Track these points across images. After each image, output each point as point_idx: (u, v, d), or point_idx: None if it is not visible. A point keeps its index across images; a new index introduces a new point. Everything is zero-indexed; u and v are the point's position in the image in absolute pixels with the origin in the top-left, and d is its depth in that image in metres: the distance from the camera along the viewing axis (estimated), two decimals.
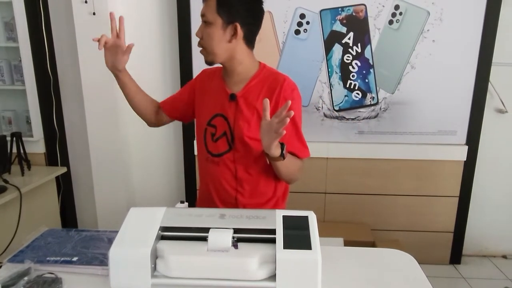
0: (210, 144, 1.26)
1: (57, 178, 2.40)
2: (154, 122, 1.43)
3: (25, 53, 2.20)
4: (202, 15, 1.16)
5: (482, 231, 2.58)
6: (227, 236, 0.90)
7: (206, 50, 1.19)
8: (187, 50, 2.28)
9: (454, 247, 2.51)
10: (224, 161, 1.24)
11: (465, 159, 2.36)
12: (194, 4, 2.20)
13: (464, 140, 2.35)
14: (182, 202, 1.07)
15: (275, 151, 1.06)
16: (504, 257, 2.62)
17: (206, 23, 1.16)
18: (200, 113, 1.29)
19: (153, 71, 2.40)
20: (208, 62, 1.22)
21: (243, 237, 0.91)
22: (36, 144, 2.34)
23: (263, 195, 1.28)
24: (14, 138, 2.14)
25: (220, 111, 1.23)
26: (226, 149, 1.23)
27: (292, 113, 0.96)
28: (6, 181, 1.98)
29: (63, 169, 2.38)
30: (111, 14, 1.20)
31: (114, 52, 1.23)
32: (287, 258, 0.85)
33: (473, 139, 2.34)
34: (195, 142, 2.45)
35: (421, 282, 1.00)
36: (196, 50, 2.24)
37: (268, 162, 1.17)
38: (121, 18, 1.21)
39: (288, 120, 0.96)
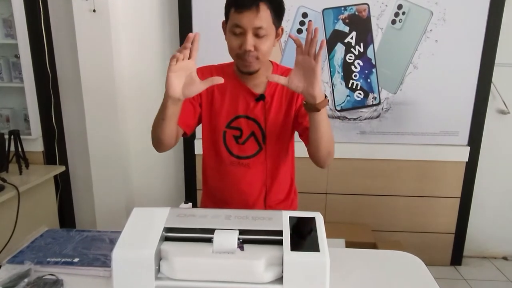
0: (234, 147, 1.23)
1: (55, 177, 2.37)
2: (173, 145, 1.22)
3: (23, 50, 2.17)
4: (257, 28, 1.07)
5: (483, 232, 2.58)
6: (233, 238, 0.88)
7: (259, 59, 1.12)
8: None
9: (455, 248, 2.50)
10: (255, 162, 1.23)
11: (467, 160, 2.36)
12: (195, 1, 2.18)
13: (466, 141, 2.34)
14: (186, 202, 1.05)
15: (320, 91, 1.02)
16: (505, 258, 2.62)
17: (260, 35, 1.09)
18: (214, 116, 1.23)
19: (154, 70, 2.38)
20: (252, 72, 1.15)
21: (249, 238, 0.89)
22: (34, 143, 2.31)
23: (284, 190, 1.31)
24: (12, 136, 2.12)
25: (243, 112, 1.21)
26: (257, 149, 1.23)
27: (318, 36, 0.97)
28: (3, 180, 1.95)
29: (62, 168, 2.35)
30: (189, 35, 1.00)
31: (183, 77, 1.03)
32: (295, 260, 0.83)
33: (475, 140, 2.33)
34: (195, 141, 2.45)
35: (430, 284, 0.98)
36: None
37: (312, 128, 1.10)
38: (197, 35, 1.00)
39: (316, 40, 0.96)
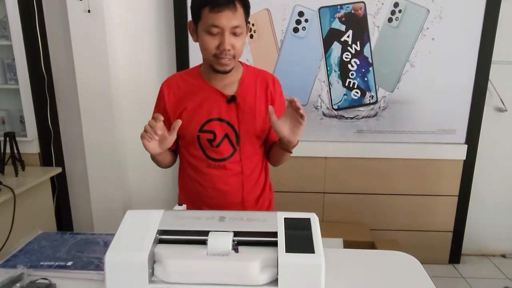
0: (209, 150, 1.23)
1: (51, 178, 2.36)
2: (174, 162, 1.37)
3: (18, 51, 2.15)
4: (235, 27, 1.09)
5: (481, 230, 2.57)
6: (227, 240, 0.87)
7: (235, 58, 1.14)
8: (184, 49, 2.25)
9: (453, 247, 2.50)
10: (231, 163, 1.24)
11: (464, 158, 2.35)
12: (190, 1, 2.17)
13: (463, 139, 2.34)
14: (180, 204, 1.04)
15: (297, 139, 1.15)
16: (503, 256, 2.61)
17: (236, 34, 1.10)
18: (186, 122, 1.21)
19: (149, 70, 2.37)
20: (229, 71, 1.16)
21: (244, 240, 0.89)
22: (30, 144, 2.29)
23: (260, 185, 1.33)
24: (8, 138, 2.10)
25: (216, 115, 1.21)
26: (231, 151, 1.23)
27: (297, 104, 1.07)
28: None
29: (58, 170, 2.34)
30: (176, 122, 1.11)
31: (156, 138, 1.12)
32: (290, 262, 0.83)
33: (472, 138, 2.32)
34: None
35: (426, 284, 0.98)
36: (192, 48, 2.23)
37: (278, 152, 1.26)
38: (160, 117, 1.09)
39: (303, 113, 1.07)
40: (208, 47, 1.11)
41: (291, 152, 1.21)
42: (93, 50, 2.20)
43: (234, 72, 1.21)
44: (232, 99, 1.20)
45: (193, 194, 1.31)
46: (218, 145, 1.22)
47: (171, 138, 1.11)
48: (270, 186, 1.39)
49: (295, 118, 1.09)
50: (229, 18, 1.07)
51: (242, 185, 1.26)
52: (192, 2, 1.14)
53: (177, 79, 1.26)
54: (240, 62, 1.25)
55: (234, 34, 1.10)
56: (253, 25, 2.19)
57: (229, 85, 1.22)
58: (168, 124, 1.21)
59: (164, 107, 1.24)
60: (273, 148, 1.29)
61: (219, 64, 1.13)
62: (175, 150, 1.33)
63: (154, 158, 1.23)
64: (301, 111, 1.06)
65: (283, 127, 1.11)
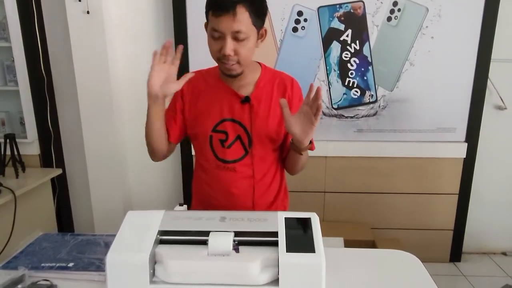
0: (220, 151, 1.22)
1: (52, 180, 2.36)
2: (165, 154, 1.28)
3: (18, 53, 2.16)
4: (236, 32, 1.05)
5: (482, 228, 2.57)
6: (228, 240, 0.87)
7: (240, 63, 1.11)
8: (184, 49, 2.23)
9: (454, 245, 2.50)
10: (241, 166, 1.22)
11: (464, 156, 2.35)
12: (190, 2, 2.17)
13: (463, 137, 2.34)
14: (181, 204, 1.05)
15: (308, 140, 1.11)
16: (504, 254, 2.62)
17: (239, 39, 1.07)
18: (200, 120, 1.23)
19: (149, 71, 2.37)
20: (236, 75, 1.14)
21: (245, 240, 0.89)
22: (30, 146, 2.30)
23: (273, 191, 1.30)
24: (8, 140, 2.10)
25: (229, 115, 1.20)
26: (242, 153, 1.21)
27: (321, 94, 1.03)
28: (0, 184, 1.94)
29: (58, 171, 2.34)
30: (168, 42, 1.12)
31: (163, 77, 1.10)
32: (290, 261, 0.83)
33: (472, 136, 2.33)
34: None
35: (427, 283, 0.98)
36: (192, 49, 2.24)
37: (291, 156, 1.23)
38: (179, 48, 1.13)
39: (321, 104, 1.03)
40: (211, 50, 1.12)
41: (302, 154, 1.17)
42: (93, 51, 2.20)
43: (251, 73, 1.19)
44: (246, 100, 1.18)
45: (202, 197, 1.31)
46: (230, 146, 1.21)
47: (176, 85, 1.09)
48: (285, 192, 1.36)
49: (309, 117, 1.06)
50: (229, 23, 1.04)
51: (253, 189, 1.24)
52: (205, 3, 1.13)
53: (196, 76, 1.24)
54: (258, 63, 1.24)
55: (237, 39, 1.07)
56: None
57: (245, 86, 1.20)
58: (180, 115, 1.24)
59: (182, 96, 1.24)
60: (287, 157, 1.27)
61: (224, 68, 1.13)
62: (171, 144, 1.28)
63: (147, 112, 1.15)
64: (320, 102, 1.03)
65: (295, 124, 1.08)
